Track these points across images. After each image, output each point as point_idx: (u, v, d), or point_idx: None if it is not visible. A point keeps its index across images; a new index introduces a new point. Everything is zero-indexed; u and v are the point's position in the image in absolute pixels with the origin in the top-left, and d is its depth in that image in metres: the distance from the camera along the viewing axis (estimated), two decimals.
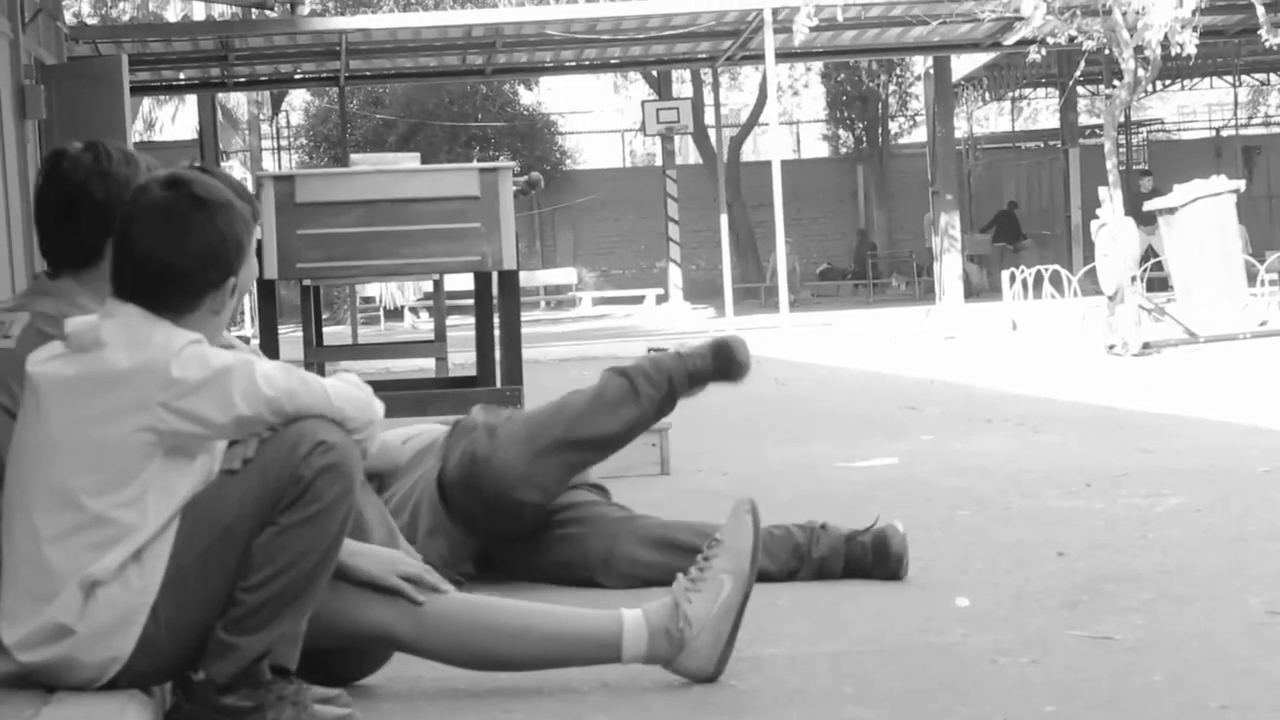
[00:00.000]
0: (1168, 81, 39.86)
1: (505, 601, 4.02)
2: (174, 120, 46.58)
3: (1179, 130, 47.98)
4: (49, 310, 4.02)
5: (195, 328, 3.55)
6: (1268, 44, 19.30)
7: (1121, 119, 22.48)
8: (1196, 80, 42.25)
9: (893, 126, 43.83)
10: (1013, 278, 21.49)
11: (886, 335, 20.85)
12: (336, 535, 3.54)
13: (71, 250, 4.11)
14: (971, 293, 31.57)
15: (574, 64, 29.57)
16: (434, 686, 4.01)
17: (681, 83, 39.28)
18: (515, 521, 5.03)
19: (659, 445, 8.15)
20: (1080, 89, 37.09)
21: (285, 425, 3.52)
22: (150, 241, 3.56)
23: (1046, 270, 21.05)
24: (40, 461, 3.50)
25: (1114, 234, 15.93)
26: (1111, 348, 15.13)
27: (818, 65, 40.32)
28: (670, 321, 29.13)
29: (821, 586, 5.07)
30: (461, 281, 17.66)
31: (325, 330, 12.56)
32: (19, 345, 4.02)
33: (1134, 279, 15.97)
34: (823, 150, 46.93)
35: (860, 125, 43.51)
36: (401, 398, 7.27)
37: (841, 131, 44.90)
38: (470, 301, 10.14)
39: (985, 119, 47.68)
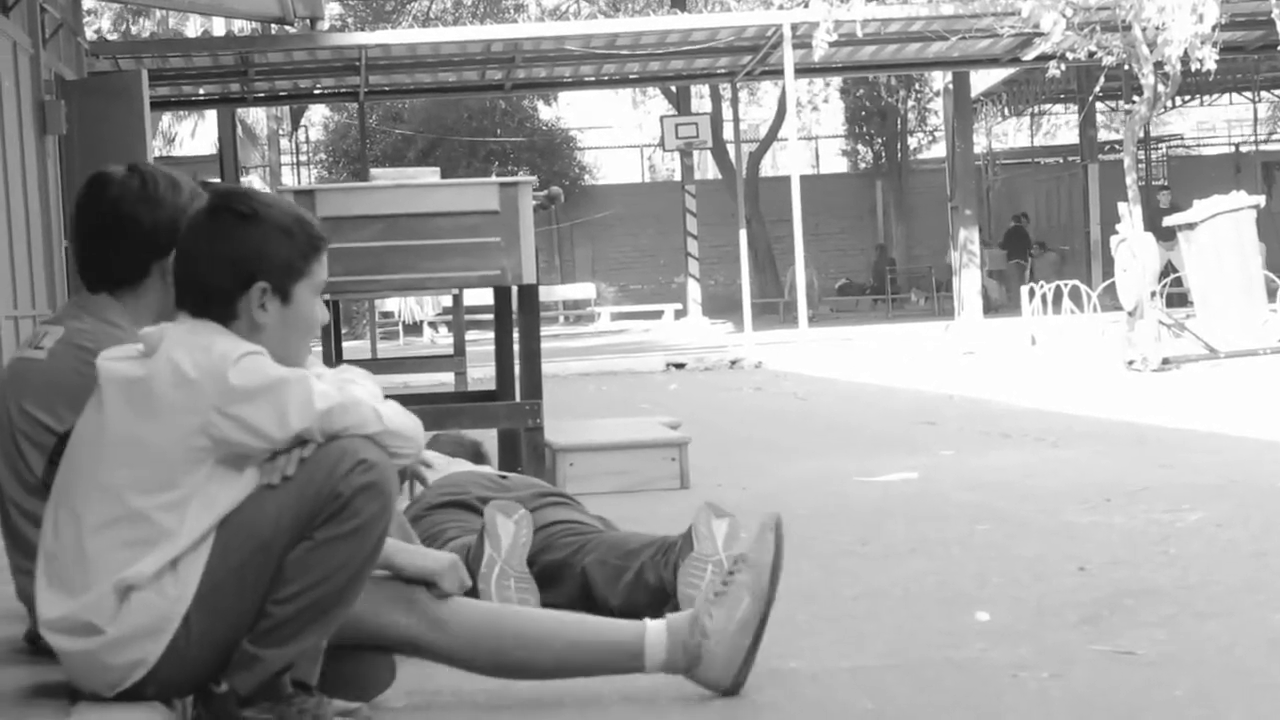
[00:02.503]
0: (1187, 97, 39.83)
1: (528, 609, 4.03)
2: (194, 135, 46.75)
3: (1198, 146, 47.92)
4: (85, 326, 4.08)
5: (255, 342, 3.59)
6: None
7: (1141, 135, 22.45)
8: (1216, 96, 42.20)
9: (912, 142, 43.87)
10: (1032, 293, 21.46)
11: (905, 350, 20.84)
12: (370, 553, 3.55)
13: (111, 272, 4.17)
14: (990, 308, 31.53)
15: (593, 79, 29.57)
16: (454, 700, 4.01)
17: (700, 98, 39.28)
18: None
19: (678, 460, 8.15)
20: (1100, 105, 37.07)
21: (328, 441, 3.55)
22: (180, 253, 3.66)
23: (1066, 285, 21.02)
24: (93, 453, 3.53)
25: (1133, 250, 15.92)
26: (1131, 363, 15.11)
27: (837, 80, 40.30)
28: (689, 337, 29.13)
29: (841, 601, 5.06)
30: (481, 296, 17.69)
31: (344, 345, 12.58)
32: (50, 357, 4.08)
33: (1153, 294, 15.95)
34: (841, 165, 46.95)
35: (879, 140, 43.55)
36: (421, 412, 7.26)
37: (860, 147, 44.96)
38: (489, 316, 10.16)
39: (1004, 134, 47.71)
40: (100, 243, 4.17)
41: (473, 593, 4.49)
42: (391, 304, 34.60)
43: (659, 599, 4.77)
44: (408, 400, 8.71)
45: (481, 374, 14.03)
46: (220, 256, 3.61)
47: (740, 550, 4.29)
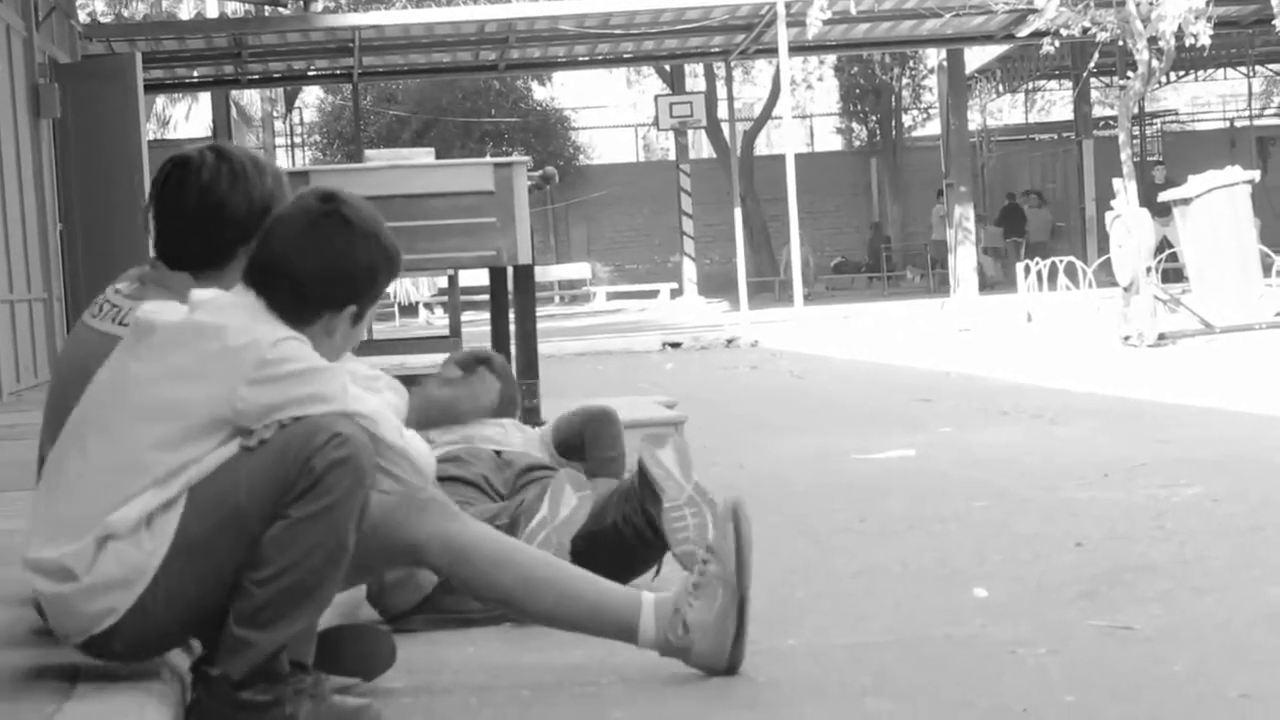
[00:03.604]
0: (1182, 73, 39.82)
1: (540, 553, 4.01)
2: (188, 118, 46.67)
3: (1193, 121, 47.91)
4: None
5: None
6: None
7: (1135, 110, 22.44)
8: (1211, 71, 42.18)
9: (906, 119, 43.83)
10: (1027, 270, 21.46)
11: (901, 328, 20.85)
12: (346, 530, 3.53)
13: (198, 257, 4.12)
14: (986, 285, 31.54)
15: (587, 59, 29.56)
16: (452, 680, 4.02)
17: (695, 77, 39.23)
18: None
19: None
20: (1094, 81, 37.04)
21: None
22: (285, 244, 3.62)
23: (1061, 262, 21.02)
24: (116, 397, 3.54)
25: (1129, 225, 15.91)
26: (1127, 339, 15.11)
27: (831, 59, 40.32)
28: (685, 316, 29.13)
29: (839, 578, 5.07)
30: (476, 277, 17.68)
31: None
32: None
33: (1149, 270, 15.94)
34: (836, 144, 46.94)
35: (874, 118, 43.52)
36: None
37: (855, 125, 44.94)
38: (485, 297, 10.14)
39: (999, 111, 47.64)
40: (189, 228, 4.11)
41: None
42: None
43: (651, 549, 4.77)
44: (404, 381, 8.72)
45: None
46: (332, 270, 3.62)
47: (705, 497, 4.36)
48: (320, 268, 3.61)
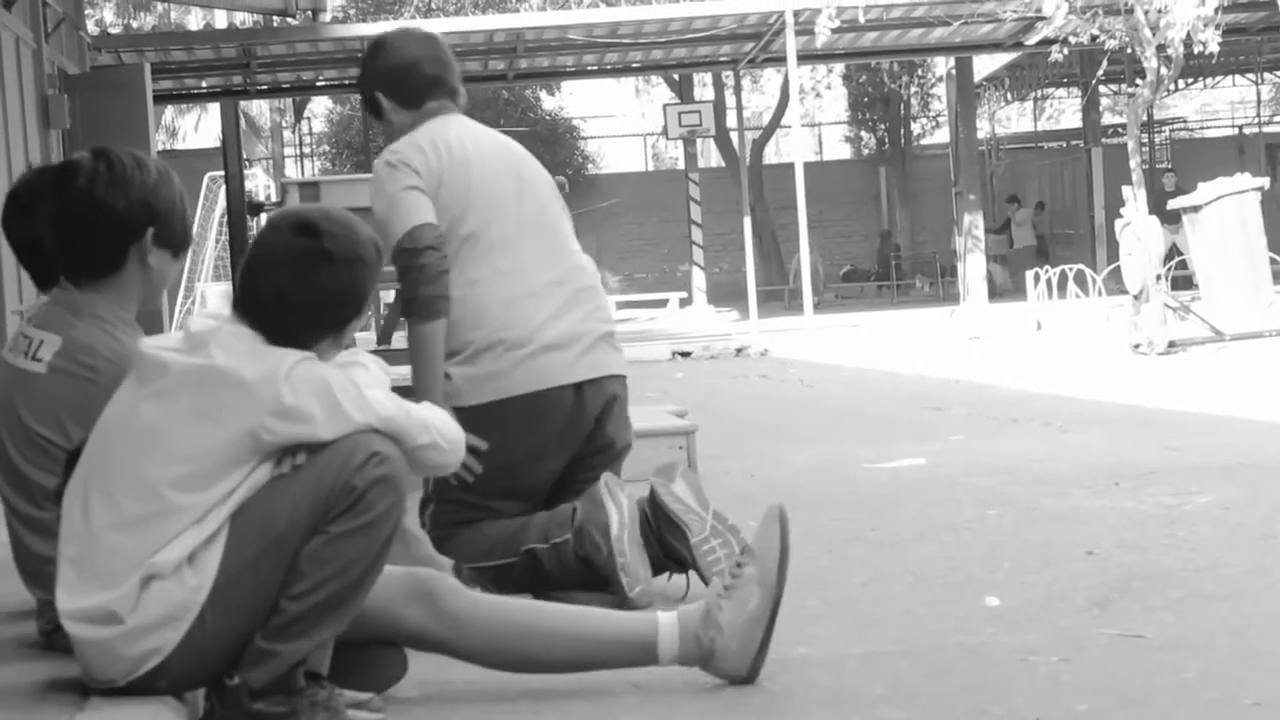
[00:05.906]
0: (1190, 80, 39.77)
1: (541, 604, 4.03)
2: (197, 128, 46.69)
3: (1202, 129, 47.85)
4: (81, 338, 4.01)
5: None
6: None
7: (1144, 118, 22.41)
8: (1219, 78, 42.13)
9: (915, 127, 43.80)
10: (1037, 278, 21.45)
11: (911, 336, 20.84)
12: (383, 546, 3.56)
13: (91, 263, 4.12)
14: (995, 293, 31.50)
15: (596, 68, 29.55)
16: (465, 689, 4.02)
17: (703, 86, 39.22)
18: None
19: (686, 447, 8.13)
20: (1103, 88, 37.04)
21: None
22: (270, 283, 3.61)
23: (1071, 270, 21.01)
24: (136, 444, 3.53)
25: (1138, 233, 15.90)
26: (1137, 347, 15.11)
27: (839, 67, 40.29)
28: (694, 325, 29.11)
29: (851, 587, 5.07)
30: None
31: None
32: (51, 371, 4.02)
33: (1158, 278, 15.94)
34: (845, 152, 46.90)
35: (882, 127, 43.49)
36: None
37: (864, 133, 44.91)
38: None
39: (1008, 119, 47.62)
40: (76, 234, 4.10)
41: (608, 555, 4.62)
42: None
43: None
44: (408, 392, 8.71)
45: None
46: (322, 302, 3.64)
47: (733, 526, 4.37)
48: (310, 302, 3.61)
